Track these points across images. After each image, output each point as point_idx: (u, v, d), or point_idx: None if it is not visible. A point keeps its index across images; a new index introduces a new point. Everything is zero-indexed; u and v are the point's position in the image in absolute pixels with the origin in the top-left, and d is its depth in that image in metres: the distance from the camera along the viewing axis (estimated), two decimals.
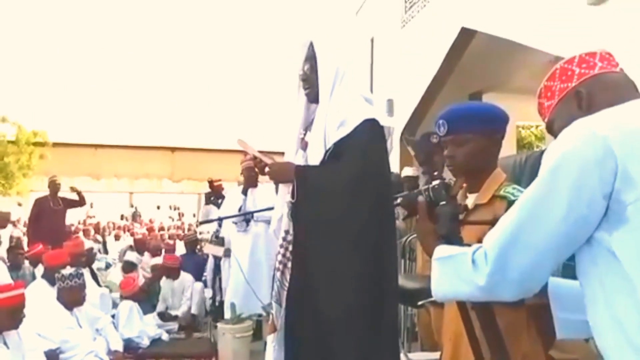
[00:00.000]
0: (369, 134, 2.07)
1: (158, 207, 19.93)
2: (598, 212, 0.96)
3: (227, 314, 4.51)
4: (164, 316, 5.36)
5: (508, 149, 9.32)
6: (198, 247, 6.83)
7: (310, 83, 2.21)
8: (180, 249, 8.77)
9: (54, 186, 6.77)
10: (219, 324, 4.44)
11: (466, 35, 5.41)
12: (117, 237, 11.51)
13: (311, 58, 2.21)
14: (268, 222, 4.59)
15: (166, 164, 21.99)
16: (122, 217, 17.25)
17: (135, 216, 18.07)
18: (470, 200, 1.76)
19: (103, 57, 23.96)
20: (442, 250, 1.23)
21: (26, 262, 5.63)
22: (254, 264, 4.54)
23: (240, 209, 4.73)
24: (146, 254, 7.84)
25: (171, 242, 9.15)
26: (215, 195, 7.13)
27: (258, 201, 4.74)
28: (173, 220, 18.00)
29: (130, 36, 25.24)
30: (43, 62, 22.70)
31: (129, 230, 12.61)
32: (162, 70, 24.30)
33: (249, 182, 4.84)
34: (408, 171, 4.55)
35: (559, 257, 1.03)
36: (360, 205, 2.05)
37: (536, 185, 1.04)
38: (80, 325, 3.84)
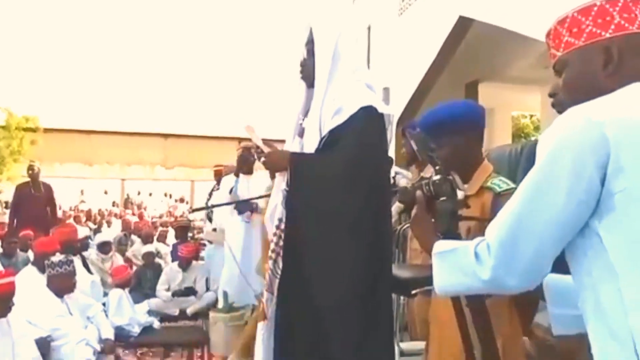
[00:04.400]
0: (366, 121, 2.02)
1: (150, 194, 19.84)
2: (594, 199, 0.95)
3: (220, 303, 4.48)
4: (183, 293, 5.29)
5: (504, 138, 9.42)
6: (190, 234, 6.80)
7: (308, 68, 2.17)
8: (172, 236, 8.76)
9: (32, 172, 6.68)
10: (210, 312, 4.42)
11: (463, 24, 5.35)
12: (108, 224, 11.47)
13: (310, 42, 2.17)
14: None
15: (159, 150, 21.87)
16: (113, 204, 17.18)
17: (127, 203, 18.00)
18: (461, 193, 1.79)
19: (96, 42, 23.71)
20: (441, 245, 1.21)
21: (18, 250, 5.58)
22: (247, 252, 4.51)
23: (231, 191, 4.68)
24: (137, 240, 7.81)
25: (164, 229, 9.12)
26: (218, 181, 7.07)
27: (253, 189, 4.70)
28: (169, 207, 17.91)
29: (123, 21, 24.97)
30: (35, 47, 22.43)
31: (120, 217, 12.54)
32: (155, 55, 24.08)
33: (244, 167, 4.79)
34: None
35: (560, 244, 1.01)
36: (355, 194, 2.01)
37: (534, 173, 1.01)
38: (71, 313, 3.81)
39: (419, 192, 1.40)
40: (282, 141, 2.33)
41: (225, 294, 4.43)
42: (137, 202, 18.66)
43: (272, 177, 4.45)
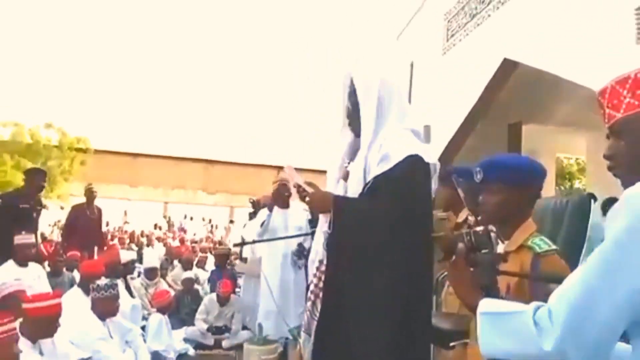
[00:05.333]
0: (411, 170, 2.05)
1: (191, 218, 20.22)
2: None
3: (255, 335, 4.53)
4: (219, 330, 5.36)
5: (548, 180, 9.19)
6: (229, 261, 6.89)
7: (354, 119, 2.23)
8: (211, 261, 8.89)
9: (90, 194, 6.90)
10: (245, 344, 4.46)
11: (508, 66, 5.36)
12: (151, 245, 11.74)
13: (352, 94, 2.23)
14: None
15: (201, 175, 22.37)
16: (155, 226, 17.55)
17: (169, 226, 18.37)
18: (500, 247, 1.78)
19: (147, 68, 24.65)
20: (489, 305, 1.18)
21: (64, 269, 5.78)
22: (284, 286, 4.56)
23: (262, 224, 4.73)
24: (177, 265, 7.96)
25: (204, 254, 9.27)
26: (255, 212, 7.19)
27: (290, 222, 4.77)
28: (207, 231, 18.17)
29: (175, 48, 25.92)
30: (88, 71, 23.49)
31: (162, 240, 12.82)
32: (203, 84, 24.83)
33: (280, 200, 4.85)
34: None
35: (630, 321, 0.99)
36: (397, 241, 2.02)
37: (610, 247, 0.99)
38: (112, 336, 3.91)
39: (460, 244, 1.38)
40: (318, 171, 2.39)
41: (260, 326, 4.47)
42: (179, 225, 19.02)
43: (302, 199, 4.55)
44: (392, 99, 2.22)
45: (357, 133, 2.24)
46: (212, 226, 19.62)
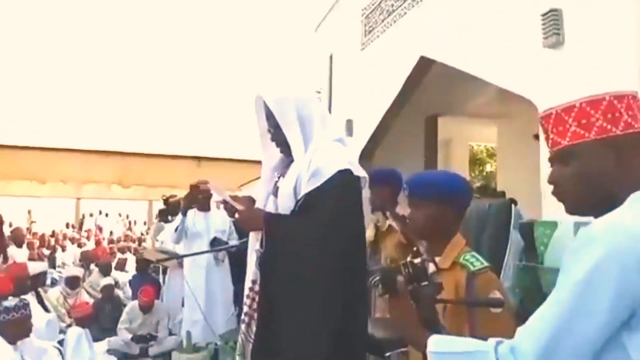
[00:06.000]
0: (342, 185, 2.05)
1: (106, 215, 19.28)
2: (630, 313, 0.96)
3: (184, 343, 4.41)
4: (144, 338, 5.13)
5: (462, 166, 9.70)
6: (151, 266, 6.65)
7: (279, 141, 2.20)
8: (131, 261, 8.54)
9: None
10: (174, 353, 4.34)
11: (425, 63, 5.51)
12: (63, 249, 11.07)
13: (270, 116, 2.20)
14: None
15: (115, 169, 21.32)
16: (67, 225, 16.59)
17: (82, 224, 17.42)
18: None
19: (49, 58, 23.08)
20: (441, 344, 1.15)
21: None
22: (209, 292, 4.46)
23: (176, 230, 4.58)
24: (94, 270, 7.58)
25: (123, 255, 8.89)
26: (170, 213, 6.96)
27: (211, 225, 4.66)
28: (125, 228, 17.41)
29: (75, 39, 24.39)
30: None
31: (75, 241, 12.13)
32: (113, 72, 23.63)
33: (200, 204, 4.69)
34: None
35: (593, 356, 1.00)
36: (330, 257, 2.02)
37: (573, 285, 0.98)
38: None
39: (400, 278, 1.35)
40: (238, 160, 2.34)
41: (188, 334, 4.36)
42: (93, 223, 18.09)
43: (230, 216, 4.44)
44: (312, 115, 2.20)
45: (286, 153, 2.21)
46: (130, 222, 18.85)
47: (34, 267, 5.51)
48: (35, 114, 20.67)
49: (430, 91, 6.37)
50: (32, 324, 3.78)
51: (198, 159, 21.60)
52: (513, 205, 2.46)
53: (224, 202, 2.30)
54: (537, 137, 5.83)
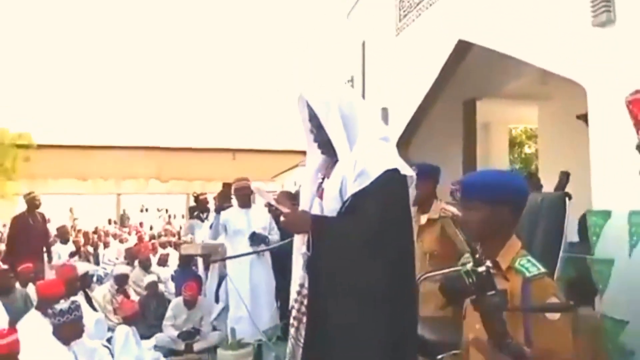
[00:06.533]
0: (389, 185, 1.99)
1: (147, 210, 19.68)
2: None
3: (229, 339, 4.44)
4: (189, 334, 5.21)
5: (501, 149, 9.45)
6: (194, 261, 6.73)
7: (323, 141, 2.14)
8: (173, 257, 8.66)
9: (32, 202, 6.52)
10: (219, 350, 4.37)
11: (463, 47, 5.34)
12: (106, 245, 11.31)
13: (313, 117, 2.14)
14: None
15: (153, 163, 21.71)
16: (109, 222, 16.99)
17: (123, 220, 17.82)
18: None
19: (87, 58, 23.61)
20: None
21: (17, 284, 5.45)
22: (254, 289, 4.47)
23: (211, 227, 4.62)
24: (136, 267, 7.70)
25: (164, 251, 9.01)
26: (200, 210, 7.05)
27: (253, 222, 4.65)
28: (165, 222, 17.72)
29: (113, 35, 24.85)
30: (25, 62, 22.28)
31: (117, 237, 12.39)
32: (148, 68, 24.00)
33: (241, 201, 4.71)
34: None
35: None
36: (379, 259, 1.97)
37: None
38: None
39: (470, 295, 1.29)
40: (276, 152, 2.29)
41: (233, 331, 4.38)
42: (133, 217, 18.49)
43: (275, 218, 4.43)
44: (355, 114, 2.13)
45: (329, 154, 2.15)
46: (169, 216, 19.19)
47: (82, 267, 5.64)
48: (73, 113, 21.20)
49: (468, 75, 6.19)
50: (84, 325, 3.86)
51: (233, 151, 21.85)
52: (567, 199, 2.33)
53: (269, 204, 2.26)
54: (580, 117, 5.62)
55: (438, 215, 3.58)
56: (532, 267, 1.60)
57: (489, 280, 1.29)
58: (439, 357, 2.16)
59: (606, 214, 3.03)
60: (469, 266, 1.36)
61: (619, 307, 2.88)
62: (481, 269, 1.31)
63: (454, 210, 3.92)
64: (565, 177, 4.63)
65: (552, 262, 2.24)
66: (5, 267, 6.31)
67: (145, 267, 7.26)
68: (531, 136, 12.98)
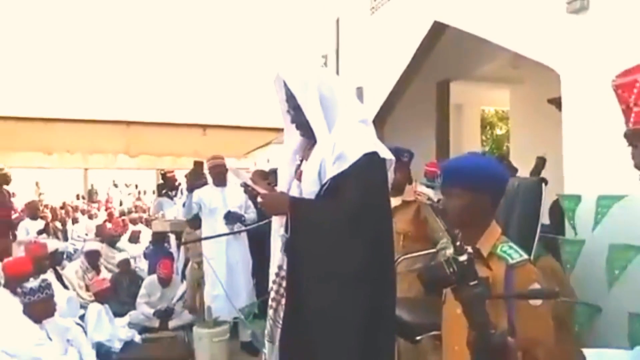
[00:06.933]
0: (368, 169, 2.00)
1: (116, 185, 19.34)
2: None
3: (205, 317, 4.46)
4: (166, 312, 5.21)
5: (473, 130, 9.59)
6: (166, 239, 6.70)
7: (300, 123, 2.14)
8: (145, 233, 8.58)
9: (4, 178, 6.37)
10: (194, 328, 4.37)
11: (438, 28, 5.36)
12: (74, 221, 11.11)
13: (291, 98, 2.13)
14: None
15: (121, 138, 21.27)
16: (77, 197, 16.65)
17: (91, 195, 17.49)
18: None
19: (54, 27, 22.76)
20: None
21: None
22: (230, 268, 4.47)
23: (184, 205, 4.59)
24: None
25: (136, 228, 8.92)
26: (168, 187, 6.99)
27: (228, 200, 4.63)
28: (134, 198, 17.47)
29: (83, 6, 23.97)
30: None
31: (86, 213, 12.18)
32: (118, 41, 23.31)
33: (216, 179, 4.67)
34: None
35: None
36: (357, 241, 1.99)
37: None
38: (50, 338, 3.69)
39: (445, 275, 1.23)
40: (244, 128, 2.27)
41: (209, 309, 4.39)
42: (102, 195, 18.14)
43: (252, 199, 4.42)
44: (335, 96, 2.12)
45: (307, 135, 2.15)
46: (138, 192, 18.91)
47: (52, 245, 5.55)
48: (38, 84, 20.52)
49: (442, 56, 6.22)
50: (55, 303, 3.81)
51: (203, 127, 21.55)
52: (544, 185, 2.39)
53: (245, 185, 2.25)
54: (551, 101, 5.74)
55: (413, 198, 3.63)
56: (514, 253, 1.61)
57: (470, 269, 1.25)
58: (418, 337, 2.20)
59: (577, 198, 3.13)
60: (449, 253, 1.36)
61: (585, 287, 3.00)
62: (462, 258, 1.27)
63: (428, 192, 3.99)
64: (541, 162, 4.74)
65: (528, 247, 2.31)
66: None
67: (112, 243, 7.18)
68: (502, 118, 13.18)
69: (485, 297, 1.23)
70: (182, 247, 6.09)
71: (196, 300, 5.25)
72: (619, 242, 2.74)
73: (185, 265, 5.88)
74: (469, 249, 1.35)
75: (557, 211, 3.25)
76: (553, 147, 3.64)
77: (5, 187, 6.51)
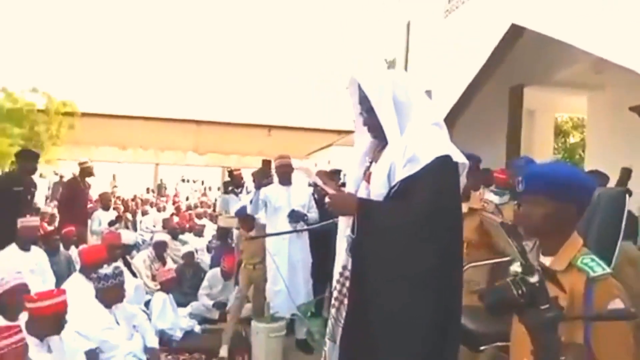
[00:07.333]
0: (441, 172, 1.93)
1: (187, 181, 20.04)
2: None
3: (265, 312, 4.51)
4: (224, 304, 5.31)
5: (547, 137, 9.19)
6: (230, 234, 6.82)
7: (374, 125, 2.10)
8: (209, 228, 8.82)
9: (87, 171, 6.76)
10: (253, 322, 4.42)
11: (515, 31, 5.18)
12: (144, 213, 11.57)
13: (364, 100, 2.10)
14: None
15: (191, 136, 22.05)
16: (147, 190, 17.36)
17: (160, 189, 18.18)
18: (545, 262, 1.64)
19: (133, 29, 23.96)
20: None
21: (61, 247, 5.64)
22: (292, 265, 4.50)
23: (251, 202, 4.64)
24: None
25: (200, 222, 9.17)
26: (234, 185, 7.12)
27: (293, 199, 4.65)
28: (200, 194, 18.03)
29: (159, 9, 25.07)
30: (73, 33, 22.76)
31: (155, 206, 12.67)
32: (191, 44, 24.20)
33: (282, 178, 4.72)
34: None
35: None
36: (427, 247, 1.92)
37: None
38: (118, 323, 3.85)
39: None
40: (311, 130, 2.24)
41: (267, 305, 4.44)
42: (170, 187, 18.84)
43: (320, 199, 4.42)
44: (409, 97, 2.08)
45: (379, 137, 2.11)
46: (204, 188, 19.49)
47: (126, 236, 5.80)
48: (117, 83, 21.63)
49: (518, 60, 6.02)
50: (125, 290, 3.98)
51: (269, 127, 21.96)
52: (628, 196, 2.23)
53: (314, 184, 2.23)
54: (634, 109, 5.39)
55: (479, 206, 3.51)
56: (596, 266, 1.51)
57: (542, 291, 1.16)
58: (482, 347, 2.11)
59: None
60: (515, 269, 1.23)
61: None
62: (533, 279, 1.17)
63: (495, 199, 3.84)
64: (627, 173, 4.48)
65: (607, 260, 2.16)
66: (51, 228, 6.59)
67: (176, 235, 7.43)
68: (577, 125, 12.57)
69: (558, 322, 1.13)
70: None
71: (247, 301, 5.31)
72: None
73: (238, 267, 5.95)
74: (537, 265, 1.24)
75: (632, 222, 3.04)
76: (633, 157, 3.41)
77: (87, 179, 6.90)
